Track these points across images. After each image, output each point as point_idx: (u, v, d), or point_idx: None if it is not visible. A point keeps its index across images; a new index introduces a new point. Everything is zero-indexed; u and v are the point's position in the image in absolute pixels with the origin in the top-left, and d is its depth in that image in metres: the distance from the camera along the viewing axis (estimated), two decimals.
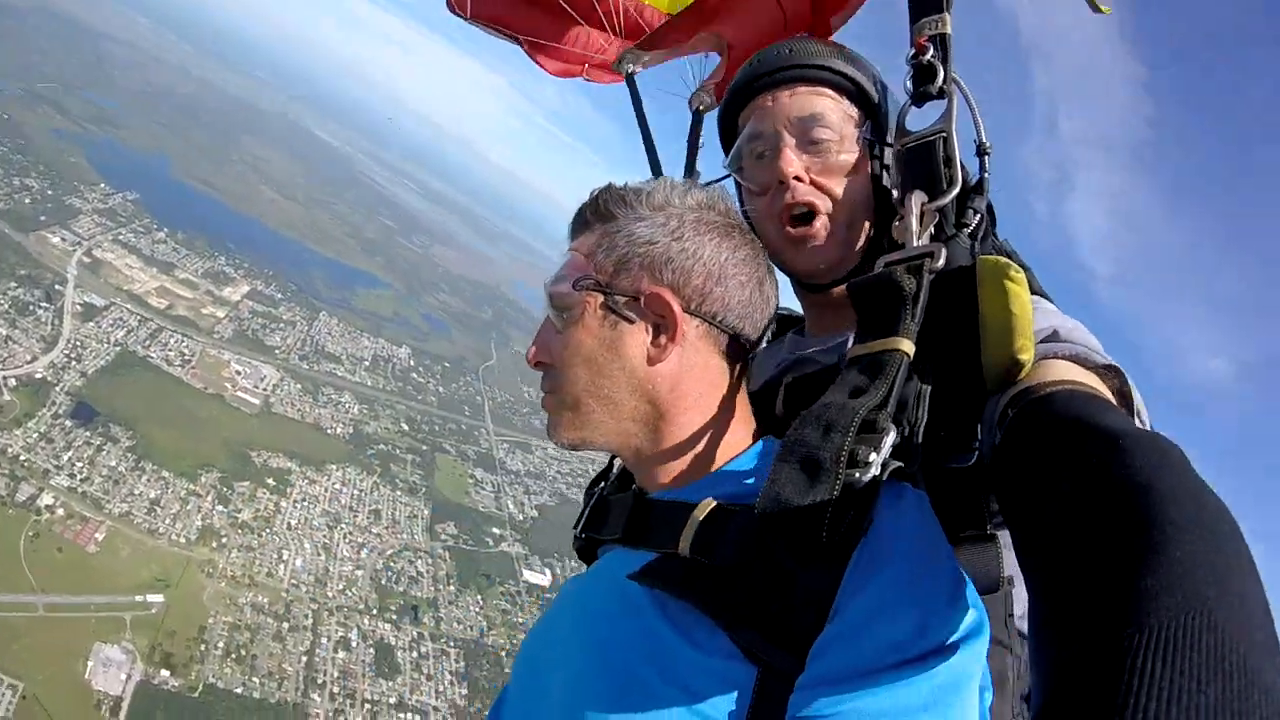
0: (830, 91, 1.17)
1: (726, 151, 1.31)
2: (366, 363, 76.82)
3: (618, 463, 1.16)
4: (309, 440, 55.51)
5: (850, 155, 1.15)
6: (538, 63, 2.23)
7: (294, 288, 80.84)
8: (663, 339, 0.93)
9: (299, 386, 61.89)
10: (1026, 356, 0.85)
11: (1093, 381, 0.86)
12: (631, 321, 0.94)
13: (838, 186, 1.14)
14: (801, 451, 0.71)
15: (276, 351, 65.95)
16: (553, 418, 0.96)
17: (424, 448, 66.28)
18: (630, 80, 1.90)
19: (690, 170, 1.65)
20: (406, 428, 68.12)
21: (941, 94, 1.08)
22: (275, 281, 79.30)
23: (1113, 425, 0.67)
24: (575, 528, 1.11)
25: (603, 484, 1.19)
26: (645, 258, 0.93)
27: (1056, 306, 1.06)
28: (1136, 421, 0.87)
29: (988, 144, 1.08)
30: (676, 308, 0.91)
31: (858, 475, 0.68)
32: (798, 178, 1.13)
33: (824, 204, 1.14)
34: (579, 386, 0.94)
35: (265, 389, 58.37)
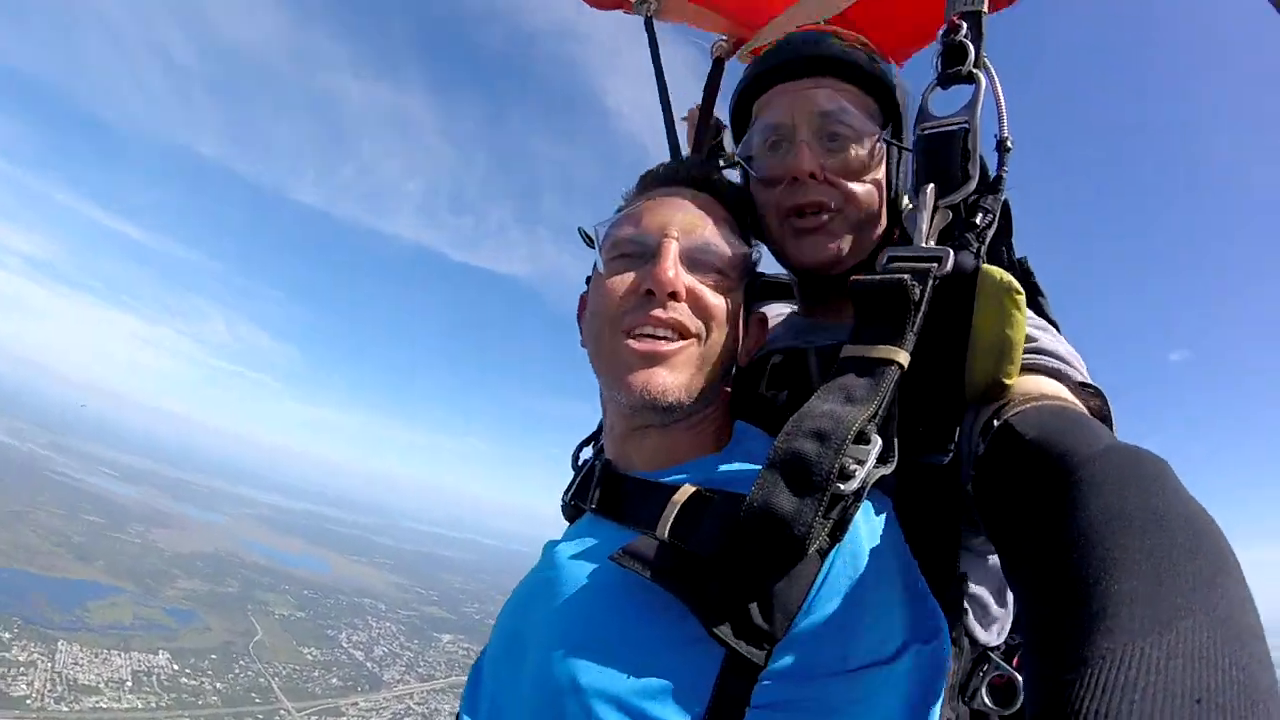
0: (853, 88, 1.12)
1: (737, 136, 1.26)
2: (128, 683, 69.53)
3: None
4: None
5: (867, 154, 1.10)
6: None
7: (19, 621, 70.74)
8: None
9: None
10: (1010, 381, 0.84)
11: (1070, 395, 0.86)
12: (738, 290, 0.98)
13: (852, 185, 1.09)
14: (793, 463, 0.71)
15: (27, 702, 58.03)
16: (670, 367, 0.92)
17: None
18: (649, 23, 1.85)
19: (707, 119, 1.65)
20: None
21: (970, 78, 1.02)
22: None
23: (1081, 447, 0.66)
24: (564, 494, 1.12)
25: (589, 446, 1.21)
26: None
27: (1056, 331, 1.04)
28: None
29: (1009, 139, 1.00)
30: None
31: (843, 488, 0.69)
32: (812, 174, 1.07)
33: (836, 202, 1.09)
34: (720, 352, 0.96)
35: None
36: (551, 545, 1.04)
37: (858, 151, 1.10)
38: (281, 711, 73.84)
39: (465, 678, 1.05)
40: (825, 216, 1.10)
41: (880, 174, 1.13)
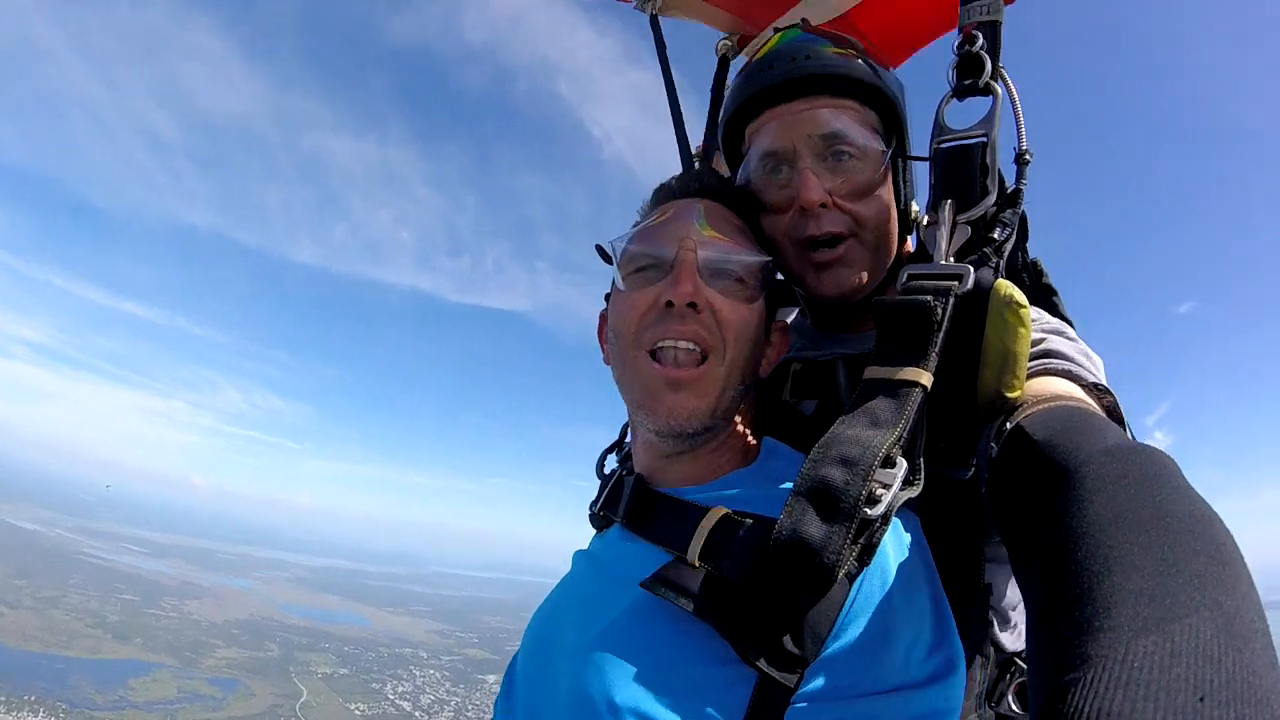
0: (852, 103, 1.07)
1: (729, 158, 1.23)
2: None
3: (630, 435, 1.12)
4: None
5: (874, 172, 1.05)
6: None
7: (64, 707, 69.97)
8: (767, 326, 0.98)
9: None
10: (1013, 395, 0.84)
11: (1082, 395, 0.85)
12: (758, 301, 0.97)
13: (864, 208, 1.05)
14: (821, 490, 0.71)
15: None
16: (695, 392, 0.90)
17: None
18: (654, 21, 1.80)
19: (714, 120, 1.55)
20: None
21: (986, 90, 1.00)
22: (44, 706, 67.90)
23: (1087, 446, 0.66)
24: (592, 505, 1.11)
25: (613, 454, 1.21)
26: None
27: (1072, 330, 1.01)
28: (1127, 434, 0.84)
29: (1028, 152, 0.98)
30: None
31: (871, 513, 0.69)
32: (823, 205, 1.03)
33: (849, 228, 1.05)
34: (744, 364, 0.94)
35: None
36: (581, 556, 1.04)
37: (864, 172, 1.05)
38: None
39: None
40: (841, 248, 1.06)
41: (888, 190, 1.09)
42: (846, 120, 1.05)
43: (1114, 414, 0.88)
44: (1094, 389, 0.89)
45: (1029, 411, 0.80)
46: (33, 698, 69.76)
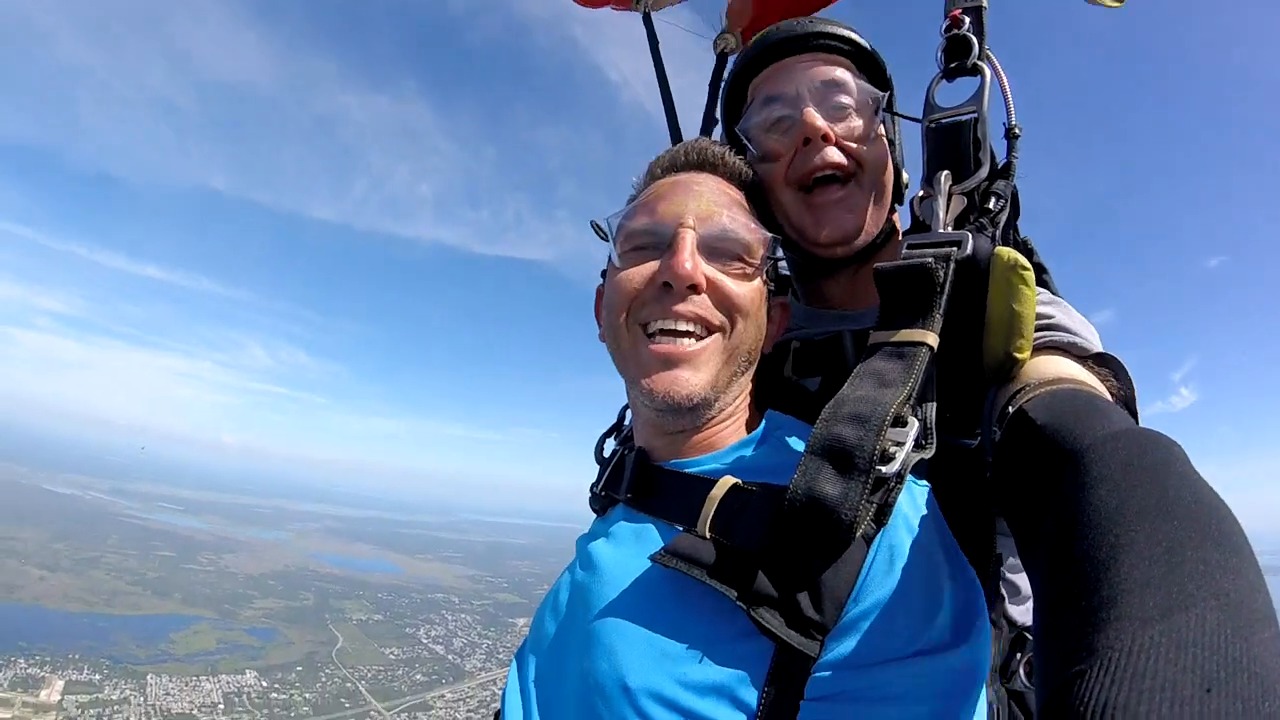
0: (847, 62, 1.13)
1: (729, 129, 1.25)
2: (220, 706, 70.61)
3: (628, 416, 1.12)
4: None
5: (870, 120, 1.09)
6: None
7: (108, 663, 72.31)
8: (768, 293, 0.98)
9: None
10: (1022, 355, 0.85)
11: (1085, 376, 0.85)
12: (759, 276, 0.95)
13: (863, 150, 1.08)
14: (835, 447, 0.70)
15: None
16: (693, 366, 0.88)
17: None
18: (647, 19, 1.81)
19: (710, 117, 1.58)
20: None
21: (974, 70, 1.04)
22: (87, 664, 70.43)
23: (1090, 432, 0.65)
24: (594, 486, 1.08)
25: (611, 438, 1.20)
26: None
27: (1068, 303, 1.02)
28: (1130, 411, 0.84)
29: (1018, 127, 1.02)
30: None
31: (885, 470, 0.69)
32: (825, 136, 1.05)
33: (850, 166, 1.07)
34: (746, 343, 0.93)
35: None
36: (585, 540, 1.01)
37: (863, 119, 1.10)
38: (372, 713, 74.25)
39: None
40: (841, 190, 1.08)
41: (884, 143, 1.13)
42: (843, 73, 1.11)
43: (1120, 394, 0.87)
44: (1098, 360, 0.89)
45: (1031, 395, 0.79)
46: (76, 656, 71.90)
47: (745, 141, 1.15)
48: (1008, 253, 0.85)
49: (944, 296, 0.83)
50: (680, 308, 0.88)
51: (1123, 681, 0.39)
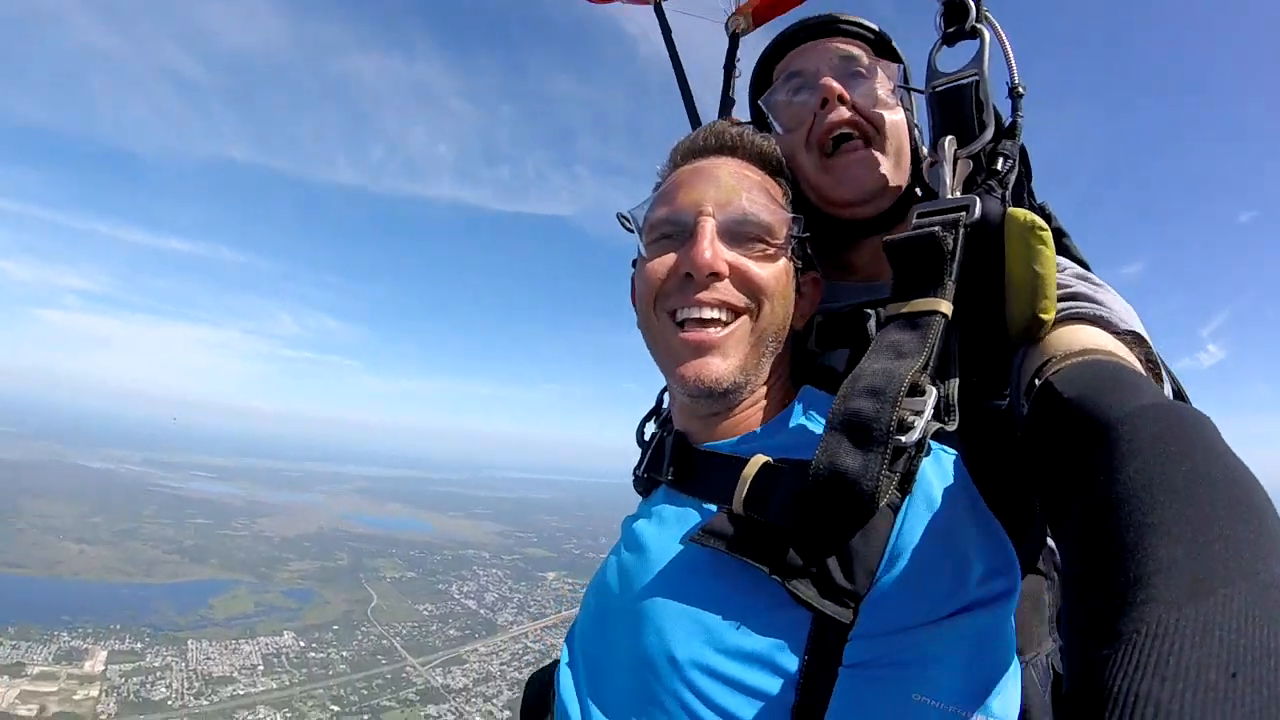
0: (866, 46, 1.18)
1: (756, 116, 1.29)
2: (260, 667, 72.06)
3: (666, 400, 1.17)
4: None
5: (888, 89, 1.13)
6: None
7: (148, 631, 74.02)
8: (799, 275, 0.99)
9: None
10: (1047, 316, 0.84)
11: (1114, 345, 0.83)
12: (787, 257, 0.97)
13: (880, 117, 1.11)
14: (852, 421, 0.72)
15: (168, 703, 61.20)
16: (722, 352, 0.91)
17: (365, 717, 64.80)
18: (659, 8, 1.83)
19: (727, 98, 1.61)
20: (337, 709, 65.21)
21: (973, 33, 1.04)
22: (128, 633, 72.13)
23: (1119, 406, 0.63)
24: (637, 469, 1.11)
25: (651, 421, 1.25)
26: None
27: (1093, 271, 1.01)
28: (1164, 386, 0.84)
29: (1021, 86, 1.02)
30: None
31: (904, 439, 0.70)
32: (841, 97, 1.09)
33: (868, 129, 1.11)
34: (774, 324, 0.94)
35: None
36: (630, 521, 1.05)
37: (879, 88, 1.13)
38: (408, 668, 75.41)
39: (575, 611, 1.04)
40: (860, 151, 1.11)
41: (903, 114, 1.15)
42: (860, 51, 1.16)
43: (1148, 360, 0.85)
44: (1124, 336, 0.87)
45: (1059, 366, 0.78)
46: (118, 626, 73.52)
47: (768, 114, 1.20)
48: (1022, 213, 0.84)
49: (955, 263, 0.83)
50: (704, 295, 0.90)
51: (1147, 666, 0.38)
